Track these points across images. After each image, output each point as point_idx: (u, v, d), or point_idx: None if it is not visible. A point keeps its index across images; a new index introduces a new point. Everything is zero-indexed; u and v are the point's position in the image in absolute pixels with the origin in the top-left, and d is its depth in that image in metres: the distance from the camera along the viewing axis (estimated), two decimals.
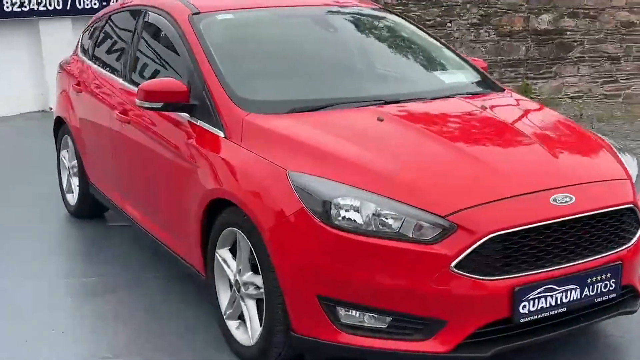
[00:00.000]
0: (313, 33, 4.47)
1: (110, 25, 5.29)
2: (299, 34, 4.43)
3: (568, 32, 12.39)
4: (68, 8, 10.77)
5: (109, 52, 5.20)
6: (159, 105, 3.84)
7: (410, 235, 2.94)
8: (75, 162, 5.63)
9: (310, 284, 3.06)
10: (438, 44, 4.63)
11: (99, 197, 5.30)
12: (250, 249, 3.35)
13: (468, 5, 11.81)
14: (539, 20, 12.22)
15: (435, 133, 3.46)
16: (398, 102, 3.78)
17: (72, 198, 5.78)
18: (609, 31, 12.55)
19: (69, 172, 5.74)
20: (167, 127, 4.02)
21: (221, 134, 3.62)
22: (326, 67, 4.19)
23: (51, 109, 10.85)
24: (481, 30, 11.75)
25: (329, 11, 4.64)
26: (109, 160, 4.83)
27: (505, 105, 4.01)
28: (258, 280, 3.33)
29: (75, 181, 5.69)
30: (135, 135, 4.35)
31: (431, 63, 4.47)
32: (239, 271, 3.47)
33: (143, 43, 4.62)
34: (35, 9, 10.49)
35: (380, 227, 2.98)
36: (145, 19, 4.65)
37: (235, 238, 3.50)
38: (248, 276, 3.41)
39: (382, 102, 3.77)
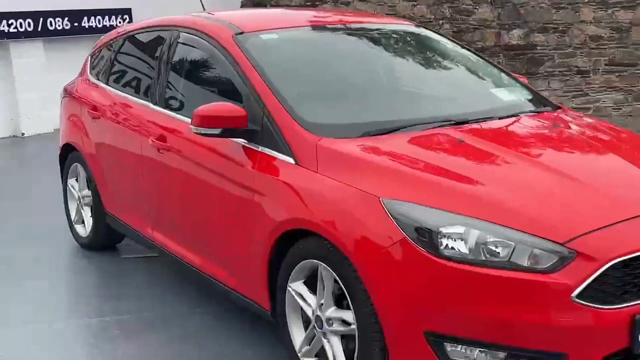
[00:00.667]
0: (361, 51, 4.31)
1: (129, 47, 5.03)
2: (347, 53, 4.26)
3: (538, 47, 12.49)
4: (39, 29, 10.38)
5: (130, 75, 4.94)
6: (217, 131, 3.61)
7: (525, 264, 2.78)
8: (87, 191, 5.33)
9: (416, 320, 2.88)
10: (483, 60, 4.51)
11: (118, 228, 5.03)
12: (335, 282, 3.14)
13: (441, 22, 11.82)
14: (510, 36, 12.29)
15: (524, 154, 3.32)
16: (467, 122, 3.63)
17: (84, 229, 5.47)
18: (577, 45, 12.70)
19: (79, 202, 5.42)
20: (217, 154, 3.79)
21: (290, 161, 3.41)
22: (386, 88, 4.05)
23: (23, 134, 10.44)
24: None
25: (369, 29, 4.48)
26: (137, 189, 4.57)
27: (574, 122, 3.90)
28: (346, 315, 3.13)
29: (87, 212, 5.39)
30: (175, 163, 4.11)
31: (484, 80, 4.34)
32: (319, 306, 3.26)
33: (176, 65, 4.37)
34: (6, 30, 10.07)
35: (488, 256, 2.81)
36: (177, 40, 4.41)
37: (311, 270, 3.30)
38: (332, 311, 3.21)
39: (453, 122, 3.61)
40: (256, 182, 3.52)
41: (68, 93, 5.60)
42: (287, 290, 3.42)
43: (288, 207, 3.34)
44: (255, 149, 3.60)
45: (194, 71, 4.35)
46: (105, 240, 5.37)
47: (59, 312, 4.45)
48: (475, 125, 3.60)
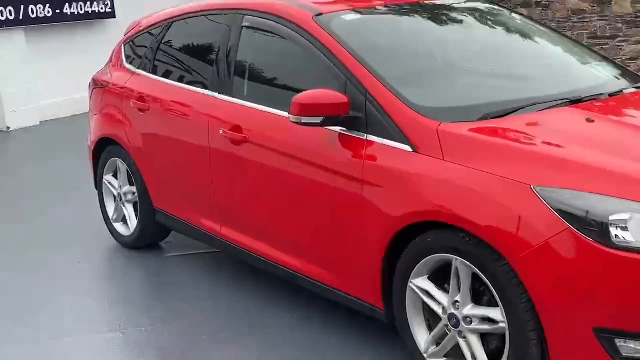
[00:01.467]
0: (447, 30, 4.08)
1: (177, 33, 4.71)
2: (434, 32, 4.04)
3: None
4: (20, 17, 9.88)
5: (183, 63, 4.63)
6: (318, 120, 3.37)
7: None
8: (129, 187, 5.02)
9: (585, 315, 2.69)
10: (562, 36, 4.33)
11: (171, 225, 4.75)
12: (473, 277, 2.95)
13: None
14: None
15: None
16: (581, 99, 3.45)
17: (125, 228, 5.17)
18: (560, 19, 12.68)
19: (120, 199, 5.11)
20: (310, 144, 3.54)
21: (407, 148, 3.19)
22: (487, 67, 3.82)
23: (8, 128, 9.97)
24: None
25: (446, 6, 4.26)
26: (200, 184, 4.29)
27: None
28: (492, 312, 2.93)
29: (129, 209, 5.08)
30: (255, 156, 3.84)
31: (575, 57, 4.15)
32: (453, 303, 3.05)
33: (244, 52, 4.09)
34: None
35: None
36: (242, 25, 4.12)
37: (437, 265, 3.10)
38: (470, 308, 3.01)
39: (567, 100, 3.42)
40: (366, 173, 3.29)
41: (100, 84, 5.26)
42: (407, 288, 3.21)
43: (412, 198, 3.11)
44: (360, 137, 3.36)
45: (267, 57, 4.08)
46: (151, 237, 5.08)
47: (130, 318, 4.15)
48: (596, 103, 3.42)
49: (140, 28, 5.06)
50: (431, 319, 3.25)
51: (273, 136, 3.76)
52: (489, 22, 4.25)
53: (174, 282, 4.62)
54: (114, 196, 5.21)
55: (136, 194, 4.96)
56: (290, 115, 3.41)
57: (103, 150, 5.22)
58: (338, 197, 3.43)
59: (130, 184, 5.04)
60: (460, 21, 4.15)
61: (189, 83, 4.43)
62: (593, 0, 12.58)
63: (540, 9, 12.50)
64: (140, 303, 4.36)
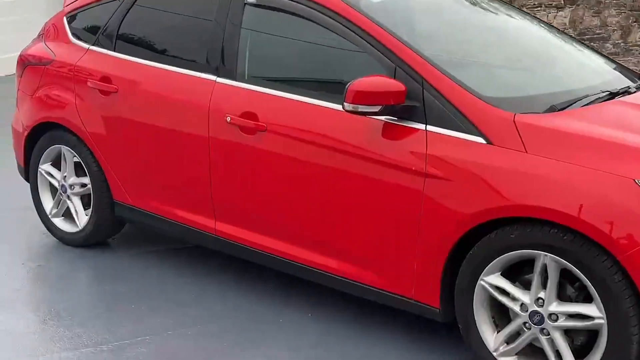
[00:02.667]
0: (479, 17, 4.01)
1: (150, 6, 4.23)
2: (470, 19, 3.95)
3: None
4: None
5: (164, 41, 4.17)
6: (376, 109, 3.15)
7: None
8: (77, 178, 4.49)
9: None
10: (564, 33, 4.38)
11: (137, 219, 4.30)
12: (562, 274, 2.89)
13: None
14: None
15: None
16: (619, 93, 3.48)
17: (68, 224, 4.62)
18: None
19: (65, 191, 4.55)
20: (355, 135, 3.32)
21: (480, 140, 3.05)
22: (528, 58, 3.76)
23: None
24: None
25: None
26: (189, 175, 3.90)
27: None
28: (586, 308, 2.87)
29: (77, 203, 4.54)
30: (278, 147, 3.53)
31: (584, 52, 4.14)
32: (536, 300, 2.97)
33: (251, 31, 3.75)
34: None
35: None
36: (246, 1, 3.77)
37: (510, 262, 3.01)
38: (556, 305, 2.93)
39: (608, 92, 3.43)
40: (430, 167, 3.11)
41: (36, 61, 4.63)
42: (477, 286, 3.08)
43: (490, 194, 2.99)
44: (418, 127, 3.18)
45: (283, 40, 3.76)
46: (105, 234, 4.58)
47: (128, 326, 3.70)
48: (630, 96, 3.47)
49: (90, 0, 4.49)
50: (497, 316, 3.14)
51: (302, 126, 3.48)
52: (508, 14, 4.19)
53: (154, 283, 4.17)
54: (54, 188, 4.63)
55: (89, 186, 4.43)
56: (346, 104, 3.15)
57: (39, 136, 4.61)
58: (390, 192, 3.23)
59: (79, 175, 4.50)
60: (484, 8, 4.06)
61: (175, 64, 3.99)
62: None
63: None
64: (133, 310, 3.89)
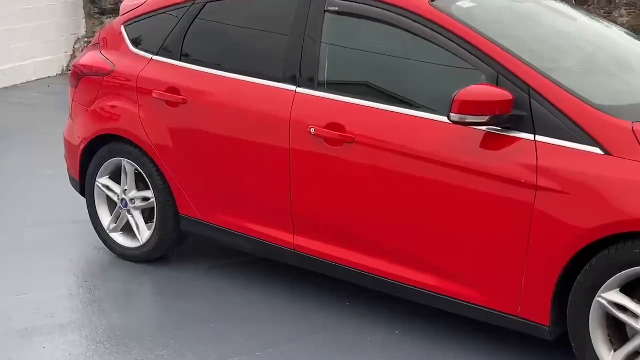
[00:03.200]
0: (567, 22, 3.91)
1: (217, 15, 4.09)
2: (556, 24, 3.85)
3: None
4: None
5: (235, 50, 4.03)
6: (484, 119, 3.03)
7: None
8: (138, 192, 4.34)
9: None
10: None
11: (205, 234, 4.17)
12: None
13: None
14: None
15: None
16: None
17: (128, 239, 4.47)
18: None
19: (125, 205, 4.40)
20: (454, 146, 3.20)
21: (596, 151, 2.93)
22: (629, 63, 3.67)
23: None
24: None
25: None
26: (271, 188, 3.77)
27: None
28: None
29: (138, 217, 4.40)
30: (368, 159, 3.41)
31: None
32: None
33: (334, 40, 3.63)
34: None
35: None
36: (324, 8, 3.63)
37: (629, 278, 2.89)
38: None
39: None
40: (542, 179, 2.99)
41: (92, 71, 4.47)
42: (594, 302, 2.96)
43: (611, 207, 2.87)
44: (526, 138, 3.06)
45: (370, 48, 3.64)
46: (167, 249, 4.43)
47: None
48: None
49: (151, 8, 4.35)
50: (612, 334, 3.03)
51: (394, 137, 3.35)
52: (588, 17, 4.09)
53: (225, 300, 4.02)
54: (111, 202, 4.49)
55: (151, 199, 4.28)
56: (452, 114, 3.03)
57: (96, 149, 4.46)
58: (494, 204, 3.11)
59: (140, 188, 4.36)
60: (564, 12, 3.97)
61: (248, 74, 3.86)
62: None
63: None
64: (212, 329, 3.75)
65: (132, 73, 4.25)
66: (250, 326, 3.74)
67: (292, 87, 3.67)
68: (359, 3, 3.57)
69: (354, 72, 3.66)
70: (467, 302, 3.29)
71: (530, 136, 3.05)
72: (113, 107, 4.32)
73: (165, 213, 4.25)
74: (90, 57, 4.56)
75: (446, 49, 3.31)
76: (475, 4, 3.57)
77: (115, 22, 4.54)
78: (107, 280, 4.33)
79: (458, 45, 3.26)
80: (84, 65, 4.55)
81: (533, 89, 3.07)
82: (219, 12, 4.09)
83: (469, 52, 3.23)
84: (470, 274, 3.26)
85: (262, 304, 3.96)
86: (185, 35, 4.14)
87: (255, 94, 3.79)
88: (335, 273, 3.72)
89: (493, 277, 3.19)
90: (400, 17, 3.43)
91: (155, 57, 4.22)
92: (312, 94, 3.60)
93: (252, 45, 3.98)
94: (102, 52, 4.50)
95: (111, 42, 4.49)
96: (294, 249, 3.78)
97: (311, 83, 3.62)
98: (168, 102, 4.07)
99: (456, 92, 3.02)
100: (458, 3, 3.49)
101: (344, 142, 3.45)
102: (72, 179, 4.73)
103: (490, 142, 3.12)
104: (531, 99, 3.06)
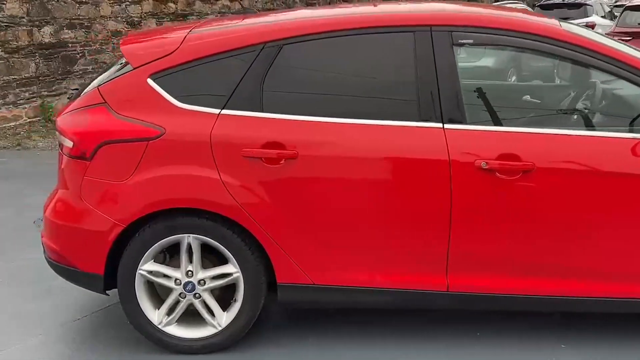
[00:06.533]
0: None
1: (304, 57, 3.70)
2: None
3: (70, 45, 11.90)
4: None
5: (338, 92, 3.70)
6: None
7: None
8: (211, 271, 3.75)
9: None
10: None
11: (319, 299, 3.78)
12: None
13: None
14: (42, 34, 11.41)
15: None
16: None
17: (192, 329, 3.82)
18: (103, 41, 12.49)
19: (192, 290, 3.74)
20: None
21: None
22: None
23: None
24: None
25: None
26: (424, 233, 3.60)
27: None
28: None
29: (208, 300, 3.78)
30: (554, 185, 3.50)
31: None
32: None
33: (472, 73, 3.63)
34: None
35: None
36: (452, 42, 3.59)
37: None
38: None
39: None
40: None
41: (124, 137, 3.64)
42: None
43: None
44: None
45: (517, 74, 3.69)
46: (248, 328, 3.87)
47: None
48: None
49: (193, 57, 3.71)
50: None
51: (579, 159, 3.51)
52: None
53: None
54: (151, 290, 3.78)
55: (236, 274, 3.72)
56: None
57: (134, 231, 3.70)
58: None
59: (206, 266, 3.75)
60: None
61: (369, 117, 3.60)
62: (127, 22, 12.74)
63: (83, 30, 12.07)
64: None
65: (199, 132, 3.61)
66: None
67: (438, 125, 3.55)
68: (490, 34, 3.61)
69: (500, 101, 3.68)
70: None
71: None
72: (175, 175, 3.61)
73: (256, 287, 3.72)
74: (106, 121, 3.70)
75: (600, 69, 3.56)
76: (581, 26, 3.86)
77: (132, 76, 3.76)
78: None
79: (613, 65, 3.53)
80: (99, 133, 3.68)
81: None
82: (303, 54, 3.70)
83: (626, 70, 3.52)
84: None
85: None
86: (263, 83, 3.65)
87: (391, 137, 3.57)
88: (495, 305, 3.70)
89: None
90: (538, 42, 3.57)
91: (225, 112, 3.64)
92: (467, 128, 3.54)
93: (361, 87, 3.71)
94: (120, 113, 3.69)
95: (135, 100, 3.71)
96: (447, 290, 3.66)
97: (459, 118, 3.55)
98: (268, 160, 3.57)
99: None
100: (572, 27, 3.76)
101: (522, 171, 3.48)
102: (82, 276, 3.80)
103: None
104: None
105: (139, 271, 3.71)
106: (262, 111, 3.63)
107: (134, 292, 3.73)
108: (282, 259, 3.65)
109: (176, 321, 3.79)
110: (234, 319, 3.75)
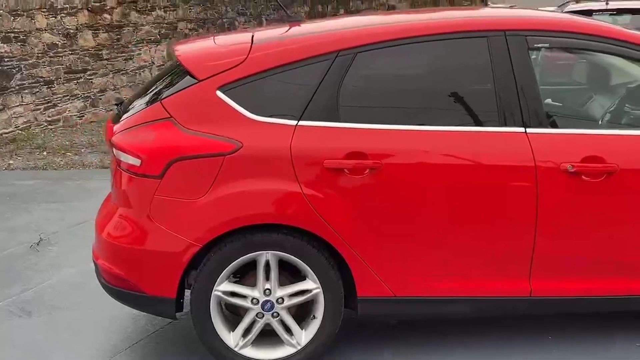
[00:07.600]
0: None
1: (380, 64, 3.62)
2: None
3: (5, 59, 11.40)
4: None
5: (416, 99, 3.63)
6: None
7: None
8: (289, 289, 3.63)
9: None
10: None
11: (403, 310, 3.71)
12: None
13: None
14: None
15: None
16: None
17: (271, 350, 3.67)
18: (39, 54, 12.03)
19: (270, 309, 3.61)
20: None
21: None
22: None
23: None
24: None
25: None
26: (509, 237, 3.58)
27: None
28: None
29: (286, 318, 3.65)
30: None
31: None
32: None
33: (551, 76, 3.65)
34: None
35: None
36: (528, 46, 3.60)
37: None
38: None
39: None
40: None
41: (199, 152, 3.46)
42: None
43: None
44: None
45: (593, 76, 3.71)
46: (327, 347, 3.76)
47: None
48: None
49: (265, 67, 3.57)
50: None
51: None
52: None
53: None
54: (240, 310, 3.64)
55: (316, 290, 3.60)
56: None
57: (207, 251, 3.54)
58: None
59: (283, 283, 3.63)
60: None
61: (451, 124, 3.57)
62: (63, 34, 12.36)
63: (19, 44, 11.62)
64: None
65: (278, 145, 3.47)
66: None
67: (520, 129, 3.54)
68: (565, 38, 3.64)
69: (578, 103, 3.70)
70: None
71: None
72: (255, 190, 3.47)
73: (336, 302, 3.62)
74: (175, 137, 3.51)
75: None
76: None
77: (199, 89, 3.58)
78: None
79: None
80: (169, 149, 3.50)
81: None
82: (377, 62, 3.62)
83: None
84: None
85: None
86: (338, 92, 3.56)
87: (474, 143, 3.53)
88: (574, 308, 3.73)
89: None
90: (611, 45, 3.62)
91: (302, 123, 3.52)
92: (549, 132, 3.55)
93: (437, 94, 3.66)
94: (189, 127, 3.52)
95: (205, 114, 3.54)
96: (530, 296, 3.65)
97: (539, 122, 3.55)
98: (352, 170, 3.48)
99: None
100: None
101: (605, 172, 3.51)
102: (150, 301, 3.60)
103: None
104: None
105: (214, 292, 3.53)
106: (340, 121, 3.52)
107: (209, 314, 3.55)
108: (363, 272, 3.56)
109: (251, 343, 3.62)
110: (313, 337, 3.62)
